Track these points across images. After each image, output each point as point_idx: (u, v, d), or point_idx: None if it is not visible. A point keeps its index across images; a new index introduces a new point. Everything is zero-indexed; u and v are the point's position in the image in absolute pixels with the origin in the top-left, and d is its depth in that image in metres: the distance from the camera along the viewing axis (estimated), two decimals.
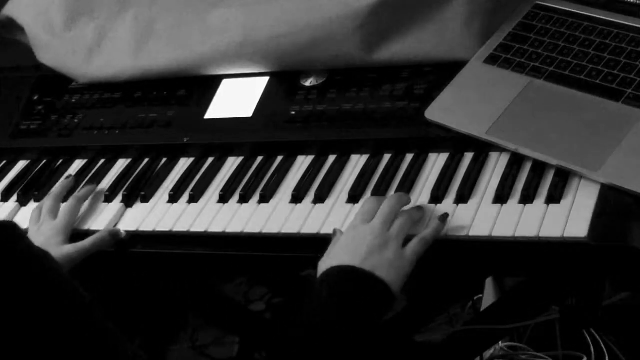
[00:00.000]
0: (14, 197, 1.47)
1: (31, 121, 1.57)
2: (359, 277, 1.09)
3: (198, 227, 1.30)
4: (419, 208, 1.19)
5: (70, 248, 1.30)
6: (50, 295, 0.87)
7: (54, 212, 1.36)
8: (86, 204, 1.40)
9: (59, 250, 1.29)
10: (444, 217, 1.17)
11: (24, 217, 1.41)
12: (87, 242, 1.30)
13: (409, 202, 1.21)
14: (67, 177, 1.45)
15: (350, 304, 1.07)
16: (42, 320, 0.86)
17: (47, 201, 1.38)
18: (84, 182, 1.45)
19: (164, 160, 1.45)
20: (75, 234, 1.34)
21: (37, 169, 1.51)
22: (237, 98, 1.47)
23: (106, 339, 0.90)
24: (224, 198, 1.34)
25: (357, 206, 1.25)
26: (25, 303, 0.85)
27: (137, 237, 1.33)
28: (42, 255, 0.89)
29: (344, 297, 1.08)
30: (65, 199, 1.39)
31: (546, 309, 1.73)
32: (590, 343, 1.81)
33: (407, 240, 1.14)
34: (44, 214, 1.36)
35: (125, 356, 0.91)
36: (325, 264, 1.12)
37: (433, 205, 1.21)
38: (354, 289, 1.09)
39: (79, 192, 1.40)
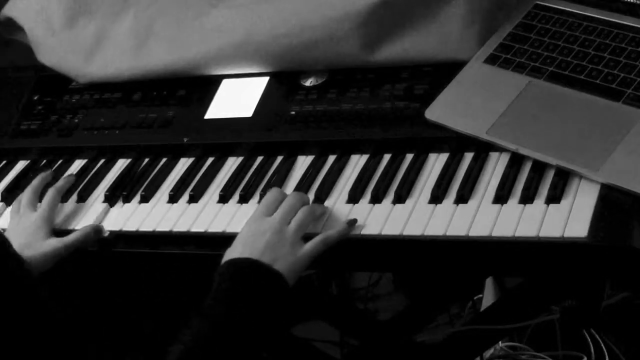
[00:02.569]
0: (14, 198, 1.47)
1: (31, 121, 1.57)
2: (256, 269, 1.14)
3: (198, 227, 1.30)
4: (320, 205, 1.24)
5: (56, 242, 1.30)
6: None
7: (33, 205, 1.37)
8: (86, 204, 1.40)
9: (44, 243, 1.29)
10: (352, 221, 1.20)
11: None
12: (71, 236, 1.31)
13: (308, 202, 1.24)
14: (69, 176, 1.44)
15: (248, 294, 1.12)
16: None
17: (25, 194, 1.38)
18: (83, 182, 1.44)
19: (164, 160, 1.45)
20: (65, 233, 1.34)
21: (37, 169, 1.51)
22: (237, 98, 1.47)
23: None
24: (224, 198, 1.34)
25: (357, 206, 1.25)
26: None
27: (137, 237, 1.33)
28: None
29: (242, 288, 1.12)
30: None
31: (546, 309, 1.73)
32: (590, 343, 1.81)
33: (310, 237, 1.18)
34: (22, 207, 1.37)
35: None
36: (226, 255, 1.17)
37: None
38: (252, 281, 1.13)
39: (58, 183, 1.40)
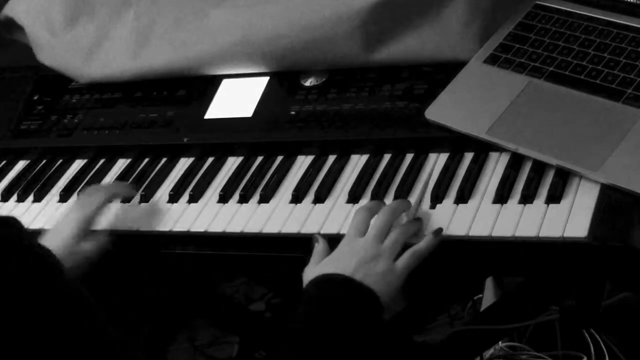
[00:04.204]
0: (14, 197, 1.47)
1: (31, 121, 1.57)
2: (349, 286, 1.10)
3: (198, 227, 1.30)
4: (417, 220, 1.19)
5: (89, 246, 1.27)
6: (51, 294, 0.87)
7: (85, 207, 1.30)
8: None
9: (78, 247, 1.26)
10: (438, 231, 1.16)
11: (24, 216, 1.41)
12: (99, 239, 1.28)
13: (408, 206, 1.21)
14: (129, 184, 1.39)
15: (340, 311, 1.08)
16: (48, 326, 0.86)
17: (88, 192, 1.33)
18: (83, 182, 1.44)
19: (164, 160, 1.45)
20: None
21: (37, 169, 1.51)
22: (237, 98, 1.47)
23: (107, 341, 0.90)
24: (224, 198, 1.34)
25: (357, 206, 1.25)
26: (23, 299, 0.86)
27: (137, 237, 1.33)
28: (43, 255, 0.89)
29: (334, 304, 1.09)
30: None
31: (546, 309, 1.73)
32: (590, 343, 1.81)
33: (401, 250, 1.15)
34: (77, 203, 1.31)
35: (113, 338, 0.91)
36: (312, 272, 1.14)
37: (432, 211, 1.21)
38: (344, 297, 1.10)
39: (117, 189, 1.36)
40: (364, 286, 1.10)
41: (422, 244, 1.15)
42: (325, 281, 1.11)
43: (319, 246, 1.18)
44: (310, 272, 1.14)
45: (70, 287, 0.89)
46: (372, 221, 1.17)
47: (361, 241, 1.15)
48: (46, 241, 1.22)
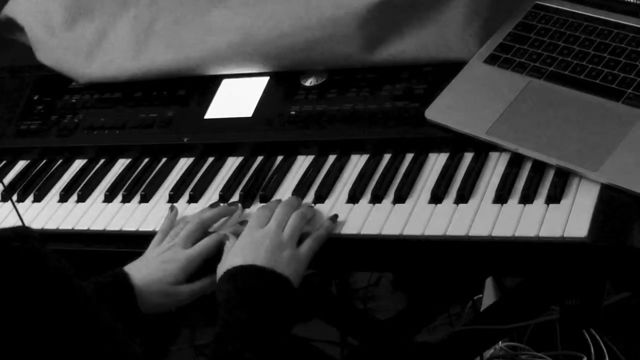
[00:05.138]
0: (14, 197, 1.46)
1: (31, 121, 1.57)
2: (263, 274, 1.15)
3: None
4: (310, 207, 1.25)
5: (187, 290, 1.23)
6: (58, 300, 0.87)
7: (191, 240, 1.25)
8: (86, 204, 1.40)
9: (175, 290, 1.22)
10: (334, 217, 1.23)
11: (24, 216, 1.40)
12: (198, 284, 1.24)
13: (299, 204, 1.25)
14: (231, 204, 1.30)
15: (257, 299, 1.12)
16: (55, 328, 0.85)
17: (191, 225, 1.26)
18: (83, 182, 1.44)
19: (164, 160, 1.45)
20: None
21: (37, 169, 1.51)
22: (237, 98, 1.47)
23: (115, 342, 0.90)
24: (223, 198, 1.34)
25: (357, 206, 1.25)
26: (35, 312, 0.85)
27: (137, 237, 1.33)
28: (59, 268, 0.88)
29: (251, 293, 1.13)
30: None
31: (546, 309, 1.73)
32: (590, 343, 1.81)
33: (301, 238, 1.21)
34: (181, 237, 1.25)
35: (134, 356, 0.91)
36: (224, 265, 1.17)
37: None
38: (259, 285, 1.14)
39: (228, 228, 1.27)
40: (276, 273, 1.15)
41: (322, 230, 1.21)
42: (241, 273, 1.15)
43: (229, 244, 1.22)
44: (222, 266, 1.18)
45: (86, 304, 0.89)
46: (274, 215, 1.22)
47: (263, 231, 1.20)
48: (139, 272, 1.21)
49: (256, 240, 1.19)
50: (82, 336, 0.87)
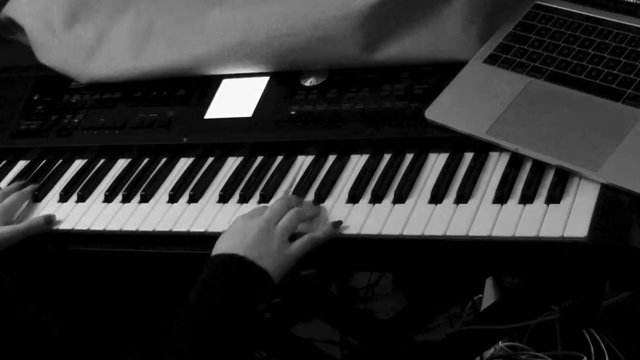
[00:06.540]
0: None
1: (31, 121, 1.57)
2: (241, 264, 1.15)
3: (198, 227, 1.30)
4: (313, 207, 1.25)
5: (6, 228, 1.35)
6: None
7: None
8: (86, 204, 1.40)
9: None
10: (337, 223, 1.22)
11: (24, 215, 1.41)
12: (21, 225, 1.35)
13: (299, 204, 1.25)
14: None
15: (231, 289, 1.14)
16: None
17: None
18: (83, 182, 1.44)
19: (164, 160, 1.45)
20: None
21: (37, 169, 1.51)
22: (237, 98, 1.47)
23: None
24: (224, 198, 1.34)
25: (357, 206, 1.25)
26: None
27: (137, 237, 1.33)
28: None
29: (226, 283, 1.14)
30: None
31: (546, 309, 1.73)
32: (590, 343, 1.81)
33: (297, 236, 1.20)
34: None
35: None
36: (216, 247, 1.19)
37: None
38: (236, 275, 1.15)
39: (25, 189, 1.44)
40: (256, 266, 1.15)
41: (319, 232, 1.21)
42: (222, 260, 1.17)
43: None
44: (216, 246, 1.20)
45: None
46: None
47: (255, 221, 1.20)
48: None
49: (246, 227, 1.20)
50: None
